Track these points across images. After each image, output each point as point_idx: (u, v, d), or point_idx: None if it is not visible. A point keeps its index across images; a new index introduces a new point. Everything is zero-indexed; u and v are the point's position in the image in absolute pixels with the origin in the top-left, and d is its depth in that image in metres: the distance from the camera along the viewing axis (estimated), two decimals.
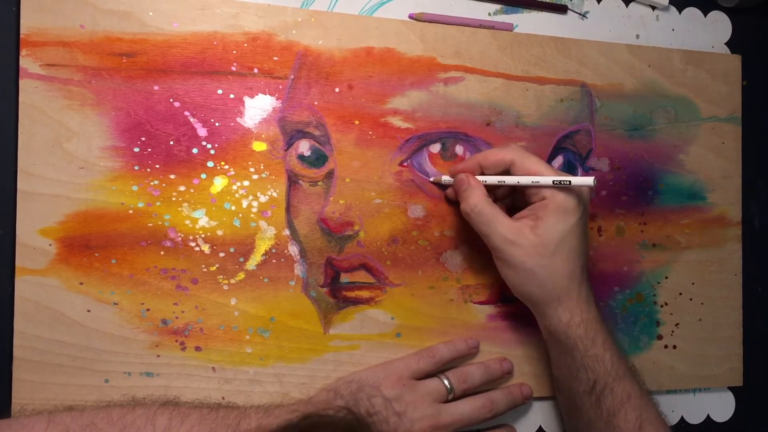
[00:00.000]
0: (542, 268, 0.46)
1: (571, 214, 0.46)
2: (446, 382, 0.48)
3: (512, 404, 0.51)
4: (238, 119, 0.47)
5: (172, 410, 0.41)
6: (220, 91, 0.47)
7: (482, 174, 0.49)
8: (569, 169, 0.55)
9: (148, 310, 0.46)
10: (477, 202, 0.47)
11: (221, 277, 0.47)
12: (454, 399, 0.48)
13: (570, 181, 0.45)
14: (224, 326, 0.47)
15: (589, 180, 0.45)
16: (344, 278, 0.50)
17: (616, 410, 0.46)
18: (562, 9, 0.56)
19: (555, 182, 0.45)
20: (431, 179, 0.51)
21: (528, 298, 0.48)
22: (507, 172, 0.48)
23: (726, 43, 0.61)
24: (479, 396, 0.49)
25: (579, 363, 0.47)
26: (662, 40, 0.59)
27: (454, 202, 0.51)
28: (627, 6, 0.58)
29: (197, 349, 0.47)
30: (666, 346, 0.57)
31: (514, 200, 0.51)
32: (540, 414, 0.55)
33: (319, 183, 0.49)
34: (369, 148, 0.50)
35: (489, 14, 0.54)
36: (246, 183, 0.48)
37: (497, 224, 0.46)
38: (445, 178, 0.51)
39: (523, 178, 0.46)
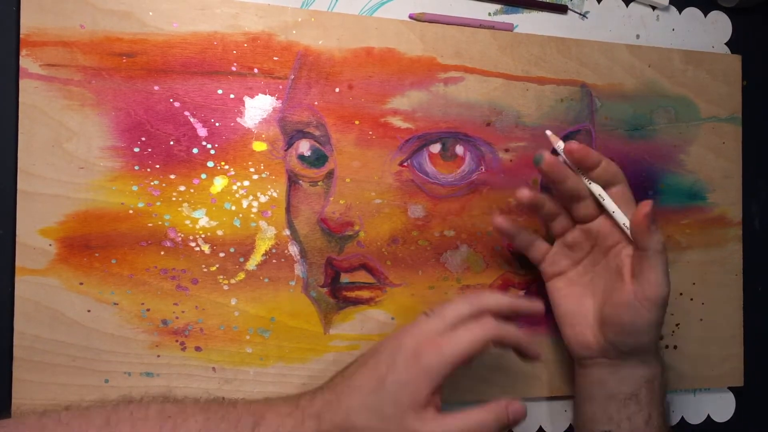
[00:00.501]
0: (648, 324, 0.46)
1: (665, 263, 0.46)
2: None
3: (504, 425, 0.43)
4: (238, 119, 0.47)
5: (172, 406, 0.41)
6: (220, 91, 0.47)
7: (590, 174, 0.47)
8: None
9: (148, 310, 0.46)
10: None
11: (221, 277, 0.47)
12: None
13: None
14: (224, 326, 0.47)
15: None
16: (344, 278, 0.50)
17: None
18: (562, 9, 0.56)
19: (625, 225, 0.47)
20: (547, 132, 0.48)
21: (646, 345, 0.47)
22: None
23: (726, 43, 0.61)
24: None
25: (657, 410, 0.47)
26: (662, 40, 0.59)
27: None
28: (627, 6, 0.58)
29: (197, 349, 0.47)
30: (667, 346, 0.57)
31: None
32: (540, 414, 0.55)
33: (319, 183, 0.49)
34: (369, 148, 0.50)
35: (489, 14, 0.54)
36: (246, 183, 0.48)
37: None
38: (559, 144, 0.48)
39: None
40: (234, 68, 0.47)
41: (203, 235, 0.47)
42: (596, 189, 0.47)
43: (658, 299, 0.45)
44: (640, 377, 0.48)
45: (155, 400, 0.41)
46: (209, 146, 0.47)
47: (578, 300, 0.49)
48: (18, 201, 0.44)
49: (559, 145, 0.48)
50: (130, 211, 0.46)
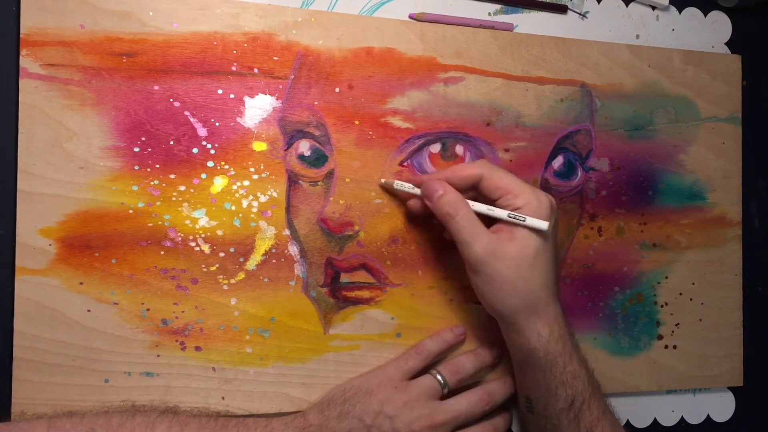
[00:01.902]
0: (523, 280, 0.45)
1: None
2: (439, 377, 0.48)
3: (509, 393, 0.51)
4: (238, 119, 0.47)
5: (171, 418, 0.42)
6: (220, 91, 0.47)
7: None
8: (569, 169, 0.55)
9: (148, 310, 0.46)
10: (462, 205, 0.45)
11: (221, 277, 0.47)
12: (450, 392, 0.48)
13: (525, 219, 0.45)
14: (224, 326, 0.47)
15: (543, 224, 0.44)
16: (344, 278, 0.50)
17: (593, 426, 0.46)
18: (562, 9, 0.56)
19: (510, 216, 0.45)
20: (382, 181, 0.50)
21: (507, 313, 0.46)
22: (475, 187, 0.47)
23: (726, 43, 0.61)
24: (476, 389, 0.49)
25: (558, 380, 0.46)
26: (662, 40, 0.59)
27: (416, 217, 0.50)
28: (627, 6, 0.58)
29: (197, 349, 0.47)
30: (666, 346, 0.57)
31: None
32: None
33: (319, 183, 0.49)
34: (369, 148, 0.50)
35: (489, 14, 0.54)
36: (246, 183, 0.48)
37: (481, 235, 0.45)
38: (399, 183, 0.49)
39: (480, 206, 0.46)
40: (234, 68, 0.47)
41: (203, 235, 0.47)
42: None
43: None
44: (519, 346, 0.47)
45: (161, 417, 0.42)
46: (209, 146, 0.47)
47: None
48: (18, 201, 0.44)
49: (395, 184, 0.49)
50: (130, 211, 0.46)
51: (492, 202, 0.47)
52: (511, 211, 0.45)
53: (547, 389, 0.46)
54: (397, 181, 0.49)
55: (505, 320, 0.47)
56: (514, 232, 0.45)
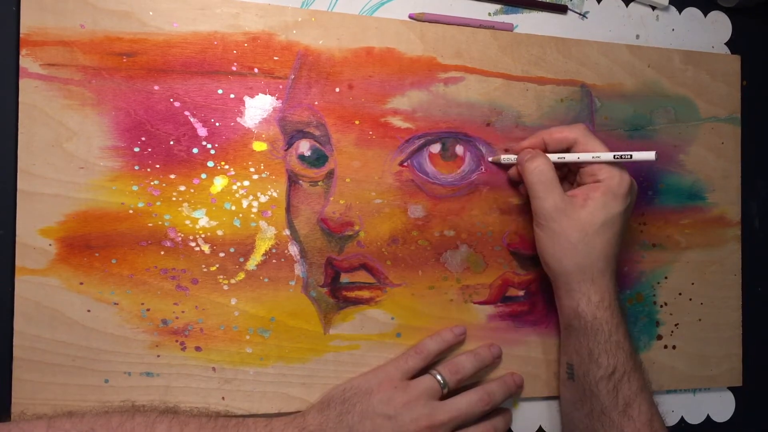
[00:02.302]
0: (584, 244, 0.47)
1: (620, 201, 0.47)
2: (438, 377, 0.48)
3: (508, 394, 0.51)
4: (239, 119, 0.47)
5: (171, 418, 0.42)
6: (220, 91, 0.47)
7: (545, 151, 0.50)
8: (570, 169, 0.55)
9: (148, 310, 0.46)
10: (542, 164, 0.48)
11: (221, 277, 0.47)
12: (450, 392, 0.48)
13: (631, 155, 0.47)
14: (224, 326, 0.47)
15: (650, 154, 0.47)
16: (344, 278, 0.50)
17: (631, 400, 0.46)
18: (562, 9, 0.56)
19: (616, 156, 0.47)
20: (490, 159, 0.52)
21: (563, 272, 0.48)
22: (568, 151, 0.49)
23: (726, 43, 0.61)
24: (476, 389, 0.49)
25: (602, 347, 0.47)
26: (662, 40, 0.59)
27: (516, 184, 0.53)
28: (627, 6, 0.58)
29: (197, 349, 0.47)
30: (666, 346, 0.57)
31: (568, 183, 0.52)
32: (540, 414, 0.55)
33: (319, 183, 0.49)
34: (369, 148, 0.50)
35: (489, 14, 0.54)
36: (246, 183, 0.48)
37: (555, 191, 0.47)
38: (505, 157, 0.52)
39: (584, 154, 0.48)
40: (234, 68, 0.47)
41: (203, 235, 0.47)
42: (553, 157, 0.49)
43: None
44: (567, 309, 0.49)
45: (161, 417, 0.42)
46: (209, 146, 0.47)
47: None
48: (18, 201, 0.44)
49: (502, 158, 0.52)
50: (130, 211, 0.46)
51: (579, 168, 0.50)
52: (592, 180, 0.48)
53: (589, 355, 0.47)
54: (503, 156, 0.52)
55: (558, 279, 0.49)
56: (589, 198, 0.47)
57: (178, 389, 0.46)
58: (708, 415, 0.60)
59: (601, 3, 0.57)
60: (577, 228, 0.47)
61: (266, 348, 0.48)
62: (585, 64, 0.55)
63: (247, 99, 0.47)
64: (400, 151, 0.51)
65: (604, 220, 0.47)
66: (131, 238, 0.45)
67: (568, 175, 0.52)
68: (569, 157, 0.49)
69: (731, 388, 0.60)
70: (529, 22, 0.55)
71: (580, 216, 0.47)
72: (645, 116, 0.57)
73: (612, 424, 0.46)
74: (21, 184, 0.44)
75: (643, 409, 0.46)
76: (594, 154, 0.48)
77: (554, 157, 0.49)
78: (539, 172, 0.48)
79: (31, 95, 0.44)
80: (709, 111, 0.59)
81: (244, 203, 0.48)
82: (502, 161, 0.52)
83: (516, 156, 0.51)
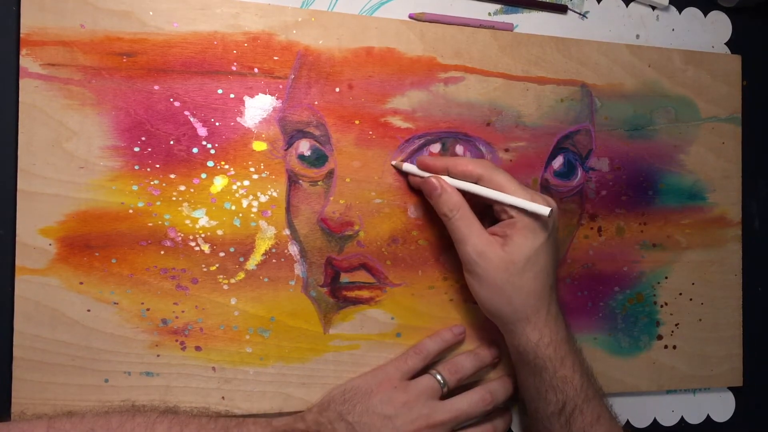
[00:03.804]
0: (510, 285, 0.45)
1: (539, 234, 0.45)
2: (438, 376, 0.48)
3: (510, 393, 0.51)
4: (239, 119, 0.47)
5: (171, 419, 0.42)
6: (220, 91, 0.47)
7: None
8: (569, 168, 0.55)
9: (148, 309, 0.46)
10: (459, 206, 0.46)
11: (221, 276, 0.47)
12: (450, 392, 0.48)
13: (526, 210, 0.45)
14: (224, 326, 0.47)
15: (544, 210, 0.44)
16: (344, 278, 0.50)
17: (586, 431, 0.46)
18: (562, 9, 0.56)
19: (513, 205, 0.45)
20: (392, 162, 0.50)
21: (497, 315, 0.47)
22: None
23: (726, 43, 0.61)
24: (476, 389, 0.49)
25: (548, 384, 0.46)
26: (662, 40, 0.59)
27: (416, 191, 0.51)
28: (627, 6, 0.58)
29: (197, 348, 0.47)
30: (666, 346, 0.57)
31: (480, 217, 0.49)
32: None
33: (319, 183, 0.49)
34: (369, 148, 0.50)
35: (489, 14, 0.54)
36: (246, 183, 0.48)
37: (474, 232, 0.45)
38: (407, 167, 0.50)
39: (489, 191, 0.46)
40: (234, 68, 0.47)
41: (203, 235, 0.47)
42: (460, 185, 0.47)
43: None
44: (512, 348, 0.48)
45: (161, 418, 0.42)
46: (209, 146, 0.47)
47: None
48: (18, 201, 0.44)
49: (403, 166, 0.50)
50: (130, 211, 0.46)
51: (491, 203, 0.47)
52: (507, 216, 0.46)
53: (537, 392, 0.47)
54: (405, 164, 0.50)
55: (495, 320, 0.48)
56: (507, 236, 0.45)
57: (178, 389, 0.46)
58: (708, 415, 0.60)
59: (601, 3, 0.57)
60: (501, 269, 0.45)
61: (266, 348, 0.48)
62: (585, 64, 0.55)
63: (247, 99, 0.48)
64: (400, 150, 0.51)
65: (526, 257, 0.45)
66: (131, 238, 0.45)
67: (486, 209, 0.49)
68: (475, 189, 0.46)
69: (731, 388, 0.60)
70: (529, 22, 0.55)
71: (502, 257, 0.45)
72: (645, 116, 0.57)
73: None
74: (21, 183, 0.44)
75: None
76: (498, 194, 0.45)
77: (462, 185, 0.47)
78: (459, 216, 0.46)
79: (31, 95, 0.44)
80: (709, 111, 0.59)
81: (244, 203, 0.48)
82: (403, 170, 0.50)
83: (419, 171, 0.49)
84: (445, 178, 0.47)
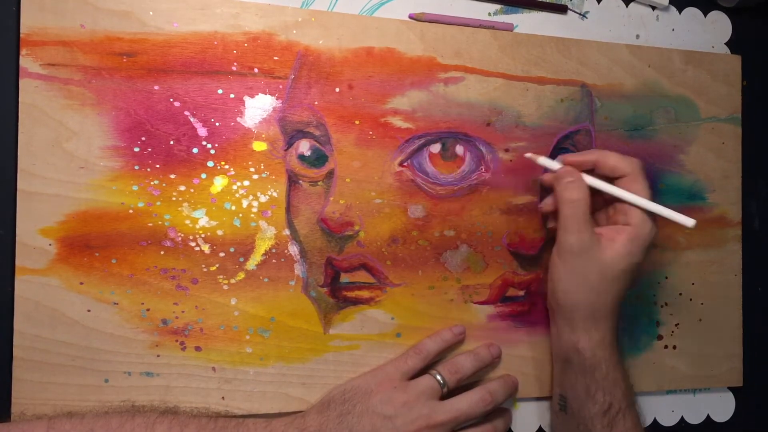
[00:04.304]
0: (602, 287, 0.47)
1: (643, 251, 0.47)
2: (438, 377, 0.48)
3: (509, 394, 0.51)
4: (239, 119, 0.47)
5: (171, 419, 0.42)
6: (220, 91, 0.47)
7: (591, 170, 0.49)
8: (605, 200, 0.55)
9: (148, 310, 0.46)
10: (581, 198, 0.47)
11: (221, 277, 0.47)
12: (449, 392, 0.48)
13: (669, 217, 0.47)
14: (224, 326, 0.47)
15: (689, 221, 0.47)
16: (344, 278, 0.50)
17: None
18: (562, 9, 0.56)
19: (656, 212, 0.47)
20: (527, 155, 0.51)
21: (570, 308, 0.48)
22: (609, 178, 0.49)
23: (726, 43, 0.61)
24: (476, 389, 0.49)
25: (599, 384, 0.47)
26: (662, 40, 0.59)
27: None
28: (627, 6, 0.58)
29: (197, 349, 0.47)
30: (666, 346, 0.57)
31: (604, 215, 0.51)
32: (540, 414, 0.55)
33: (319, 183, 0.49)
34: (369, 148, 0.50)
35: (489, 14, 0.54)
36: (246, 183, 0.48)
37: (585, 229, 0.47)
38: (543, 160, 0.50)
39: (627, 194, 0.47)
40: (234, 68, 0.47)
41: (203, 235, 0.47)
42: (594, 183, 0.49)
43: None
44: (566, 344, 0.49)
45: (161, 418, 0.42)
46: (209, 146, 0.47)
47: None
48: (18, 201, 0.44)
49: (539, 159, 0.51)
50: (130, 211, 0.46)
51: (613, 202, 0.49)
52: (624, 222, 0.48)
53: (586, 391, 0.48)
54: (541, 157, 0.51)
55: (563, 312, 0.49)
56: (614, 242, 0.47)
57: (178, 389, 0.46)
58: (708, 415, 0.60)
59: (601, 3, 0.57)
60: (598, 270, 0.46)
61: (266, 348, 0.48)
62: (585, 64, 0.55)
63: (247, 99, 0.48)
64: (400, 151, 0.51)
65: (625, 267, 0.47)
66: (131, 238, 0.45)
67: (604, 206, 0.51)
68: (607, 188, 0.48)
69: (731, 388, 0.60)
70: (529, 22, 0.55)
71: (604, 259, 0.46)
72: (645, 116, 0.57)
73: None
74: (21, 184, 0.44)
75: None
76: (638, 199, 0.47)
77: (593, 180, 0.48)
78: (576, 206, 0.47)
79: (31, 95, 0.44)
80: (709, 111, 0.59)
81: (244, 203, 0.48)
82: (538, 162, 0.50)
83: (557, 166, 0.50)
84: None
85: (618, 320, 0.49)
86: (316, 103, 0.49)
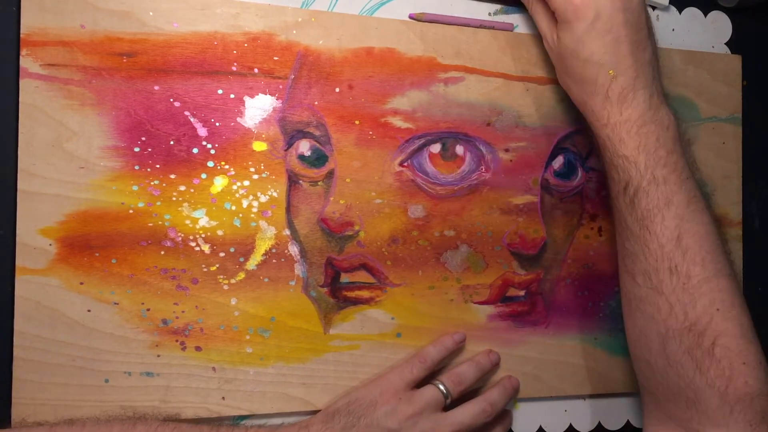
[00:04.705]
0: (563, 62, 0.49)
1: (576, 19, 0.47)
2: (442, 387, 0.48)
3: (509, 399, 0.51)
4: (239, 119, 0.47)
5: (173, 428, 0.42)
6: (220, 91, 0.47)
7: None
8: (569, 169, 0.55)
9: (148, 309, 0.46)
10: None
11: (221, 277, 0.47)
12: (452, 402, 0.48)
13: None
14: (224, 326, 0.47)
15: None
16: (344, 278, 0.50)
17: (652, 213, 0.45)
18: None
19: None
20: None
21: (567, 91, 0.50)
22: None
23: (726, 43, 0.61)
24: (477, 400, 0.49)
25: (609, 163, 0.48)
26: (662, 40, 0.58)
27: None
28: None
29: (197, 349, 0.47)
30: None
31: None
32: (540, 414, 0.55)
33: (319, 183, 0.49)
34: (369, 148, 0.50)
35: (489, 14, 0.54)
36: (246, 183, 0.48)
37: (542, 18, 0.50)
38: None
39: None
40: (234, 68, 0.47)
41: (203, 235, 0.47)
42: None
43: None
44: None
45: (162, 427, 0.42)
46: (209, 146, 0.47)
47: None
48: (18, 201, 0.44)
49: None
50: (131, 211, 0.46)
51: None
52: None
53: (606, 167, 0.49)
54: None
55: (583, 84, 0.48)
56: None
57: (178, 389, 0.46)
58: None
59: None
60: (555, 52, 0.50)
61: (266, 348, 0.48)
62: None
63: (247, 99, 0.48)
64: (400, 151, 0.51)
65: (567, 47, 0.48)
66: (131, 238, 0.45)
67: None
68: None
69: None
70: (529, 22, 0.55)
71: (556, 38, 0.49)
72: None
73: (635, 238, 0.46)
74: (21, 184, 0.44)
75: (668, 224, 0.45)
76: None
77: None
78: None
79: (31, 95, 0.44)
80: (709, 111, 0.59)
81: (244, 203, 0.48)
82: None
83: None
84: None
85: (617, 95, 0.47)
86: (316, 103, 0.49)
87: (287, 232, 0.48)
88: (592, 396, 0.56)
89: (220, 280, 0.47)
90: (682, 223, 0.45)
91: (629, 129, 0.46)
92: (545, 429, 0.55)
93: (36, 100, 0.44)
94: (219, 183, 0.47)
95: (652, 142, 0.46)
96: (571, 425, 0.56)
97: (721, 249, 0.46)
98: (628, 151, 0.46)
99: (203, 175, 0.47)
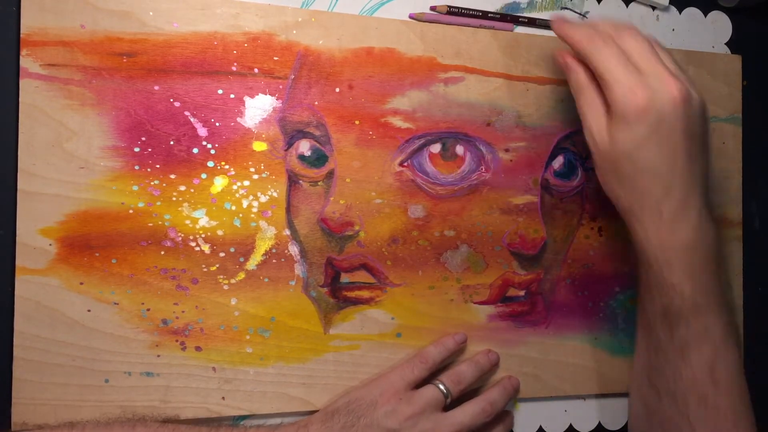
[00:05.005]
0: (613, 173, 0.46)
1: (637, 125, 0.43)
2: (442, 387, 0.48)
3: (509, 399, 0.51)
4: (239, 119, 0.47)
5: (172, 429, 0.42)
6: (220, 91, 0.47)
7: None
8: (570, 169, 0.55)
9: (148, 310, 0.46)
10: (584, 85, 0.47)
11: (221, 277, 0.47)
12: (452, 402, 0.48)
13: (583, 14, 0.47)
14: (224, 326, 0.47)
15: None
16: (344, 278, 0.50)
17: (690, 345, 0.45)
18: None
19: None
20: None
21: (612, 201, 0.48)
22: None
23: (726, 43, 0.61)
24: (477, 400, 0.49)
25: (649, 283, 0.46)
26: (662, 40, 0.58)
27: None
28: (627, 6, 0.58)
29: (197, 349, 0.47)
30: None
31: None
32: (540, 414, 0.55)
33: (319, 183, 0.49)
34: (369, 148, 0.50)
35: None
36: (246, 183, 0.48)
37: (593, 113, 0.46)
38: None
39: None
40: (234, 68, 0.47)
41: (203, 235, 0.47)
42: None
43: None
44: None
45: (162, 429, 0.42)
46: (209, 146, 0.47)
47: None
48: (18, 201, 0.44)
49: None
50: (131, 211, 0.46)
51: None
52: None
53: (643, 283, 0.48)
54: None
55: (632, 209, 0.46)
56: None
57: (178, 389, 0.46)
58: None
59: (601, 3, 0.57)
60: (602, 157, 0.46)
61: (266, 348, 0.48)
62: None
63: (247, 99, 0.48)
64: (401, 151, 0.51)
65: (623, 151, 0.44)
66: (131, 238, 0.45)
67: None
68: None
69: None
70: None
71: (608, 142, 0.45)
72: None
73: (665, 358, 0.46)
74: (21, 184, 0.44)
75: (704, 351, 0.45)
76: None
77: None
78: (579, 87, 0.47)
79: (31, 95, 0.44)
80: (709, 111, 0.58)
81: (244, 203, 0.48)
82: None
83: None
84: None
85: (671, 216, 0.44)
86: (316, 103, 0.49)
87: (287, 232, 0.48)
88: (592, 396, 0.56)
89: (220, 280, 0.47)
90: (718, 354, 0.45)
91: (677, 254, 0.45)
92: (545, 429, 0.55)
93: (36, 100, 0.44)
94: (219, 183, 0.47)
95: (698, 267, 0.45)
96: (571, 425, 0.56)
97: (743, 372, 0.47)
98: (675, 278, 0.45)
99: (203, 175, 0.47)
